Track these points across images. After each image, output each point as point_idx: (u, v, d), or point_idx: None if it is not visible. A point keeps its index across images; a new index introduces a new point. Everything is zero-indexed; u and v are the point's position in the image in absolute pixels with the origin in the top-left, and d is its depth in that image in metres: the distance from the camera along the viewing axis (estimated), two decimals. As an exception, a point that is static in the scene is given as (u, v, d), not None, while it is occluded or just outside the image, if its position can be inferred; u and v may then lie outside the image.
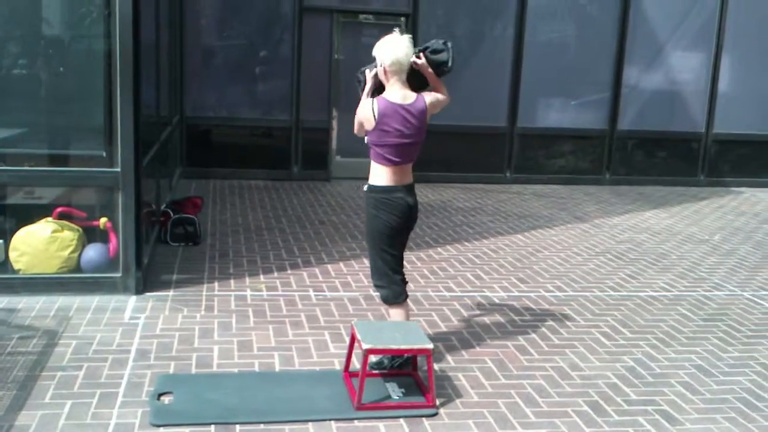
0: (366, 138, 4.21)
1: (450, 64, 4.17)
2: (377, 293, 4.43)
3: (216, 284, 5.71)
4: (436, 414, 3.85)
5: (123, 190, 5.24)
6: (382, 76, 4.14)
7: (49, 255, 5.26)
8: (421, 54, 4.16)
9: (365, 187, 4.18)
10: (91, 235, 5.50)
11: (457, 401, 4.01)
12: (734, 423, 3.96)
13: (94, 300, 5.20)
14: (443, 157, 10.53)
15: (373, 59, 4.14)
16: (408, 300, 4.32)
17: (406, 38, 4.09)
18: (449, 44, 4.18)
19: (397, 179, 4.15)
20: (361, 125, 4.21)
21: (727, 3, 11.03)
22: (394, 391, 4.06)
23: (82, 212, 5.53)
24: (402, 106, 4.07)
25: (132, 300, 5.26)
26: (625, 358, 4.73)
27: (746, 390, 4.36)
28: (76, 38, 5.61)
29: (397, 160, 4.12)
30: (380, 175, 4.17)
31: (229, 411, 3.76)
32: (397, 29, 4.23)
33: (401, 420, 3.78)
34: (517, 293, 5.90)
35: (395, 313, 4.26)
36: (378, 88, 4.21)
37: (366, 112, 4.12)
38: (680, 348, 4.96)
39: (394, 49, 4.04)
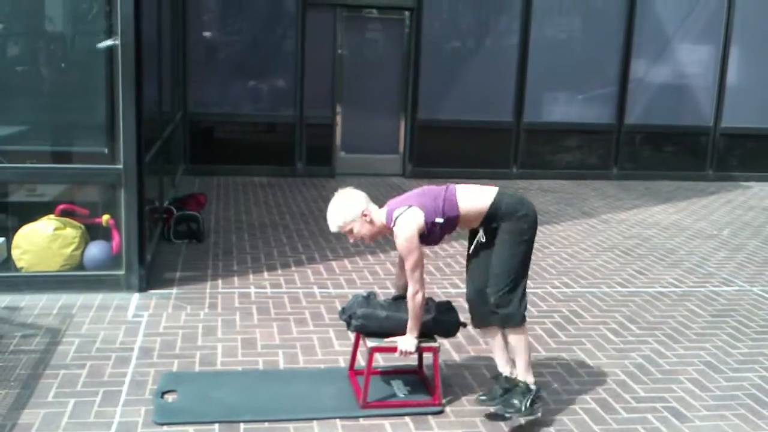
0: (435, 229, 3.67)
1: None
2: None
3: (220, 282, 5.67)
4: (442, 412, 3.81)
5: (125, 187, 5.21)
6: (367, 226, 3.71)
7: (52, 253, 5.24)
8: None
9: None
10: (93, 232, 5.48)
11: (464, 399, 3.97)
12: (744, 420, 3.91)
13: (97, 298, 5.17)
14: (448, 152, 10.49)
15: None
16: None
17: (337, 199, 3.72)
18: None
19: None
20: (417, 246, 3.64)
21: (734, -5, 10.96)
22: (400, 389, 4.02)
23: (85, 209, 5.51)
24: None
25: (135, 298, 5.23)
26: (634, 355, 4.68)
27: (756, 386, 4.31)
28: (77, 35, 5.58)
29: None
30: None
31: (233, 409, 3.73)
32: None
33: (407, 418, 3.75)
34: (523, 289, 5.84)
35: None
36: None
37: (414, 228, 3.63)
38: (689, 344, 4.90)
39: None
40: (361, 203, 3.68)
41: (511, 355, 3.78)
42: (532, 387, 3.69)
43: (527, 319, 3.73)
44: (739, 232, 8.21)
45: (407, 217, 3.60)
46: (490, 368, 4.36)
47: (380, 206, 3.80)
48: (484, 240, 3.70)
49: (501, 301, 3.62)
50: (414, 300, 3.62)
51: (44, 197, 5.55)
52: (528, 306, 3.75)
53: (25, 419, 3.57)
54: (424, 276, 3.68)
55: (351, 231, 3.69)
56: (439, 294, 5.58)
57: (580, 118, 10.96)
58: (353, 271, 6.10)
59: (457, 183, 3.78)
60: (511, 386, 3.74)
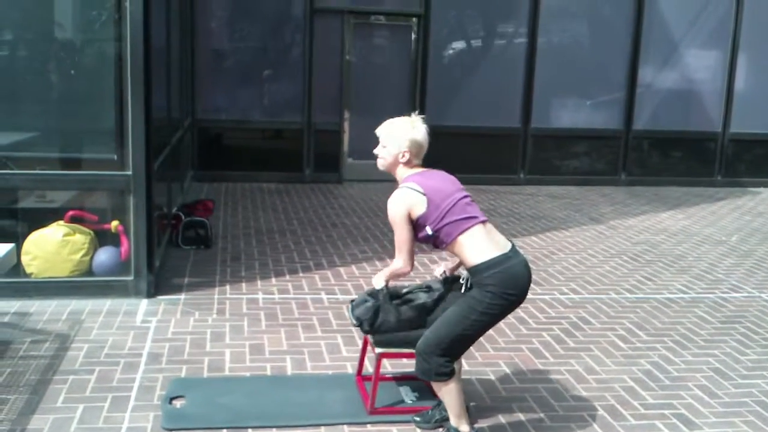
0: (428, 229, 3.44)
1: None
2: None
3: (228, 287, 5.69)
4: (448, 419, 3.80)
5: (134, 193, 5.23)
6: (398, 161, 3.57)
7: (61, 258, 5.26)
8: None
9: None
10: (102, 238, 5.49)
11: (471, 405, 3.96)
12: (753, 427, 3.89)
13: (106, 303, 5.19)
14: (456, 158, 10.43)
15: None
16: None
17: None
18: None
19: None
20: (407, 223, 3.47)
21: (743, 0, 10.92)
22: (408, 395, 4.02)
23: (94, 215, 5.53)
24: None
25: (144, 303, 5.24)
26: (642, 362, 4.66)
27: (765, 393, 4.29)
28: (87, 42, 5.61)
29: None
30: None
31: (241, 415, 3.73)
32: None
33: (414, 424, 3.74)
34: (531, 296, 5.79)
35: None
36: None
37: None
38: (697, 351, 4.88)
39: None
40: (407, 144, 3.49)
41: None
42: None
43: (452, 377, 3.45)
44: (748, 238, 8.18)
45: (405, 196, 3.43)
46: (497, 374, 4.36)
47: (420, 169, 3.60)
48: (464, 283, 3.57)
49: (422, 350, 3.43)
50: (394, 266, 3.49)
51: (54, 203, 5.57)
52: (452, 368, 3.44)
53: (34, 425, 3.58)
54: (413, 254, 3.46)
55: (383, 147, 3.56)
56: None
57: (588, 123, 10.94)
58: (361, 277, 6.10)
59: (489, 221, 3.52)
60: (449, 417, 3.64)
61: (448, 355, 3.42)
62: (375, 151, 3.62)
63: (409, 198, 3.42)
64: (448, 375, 3.42)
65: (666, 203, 9.93)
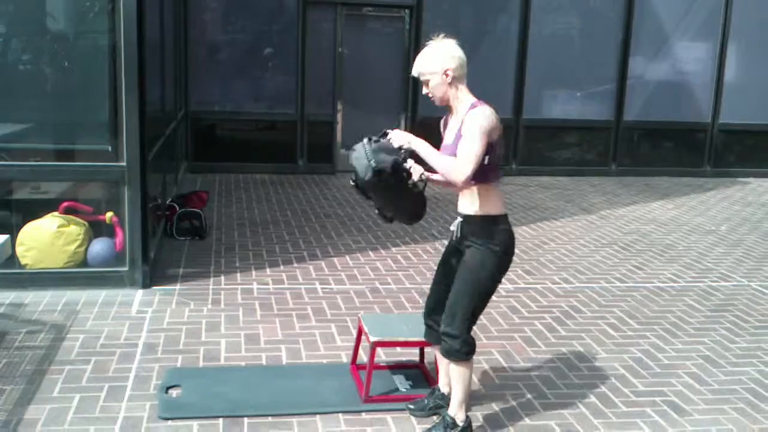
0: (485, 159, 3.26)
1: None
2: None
3: (222, 278, 5.71)
4: (442, 407, 3.84)
5: (129, 185, 5.24)
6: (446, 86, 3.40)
7: (56, 249, 5.27)
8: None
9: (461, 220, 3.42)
10: (97, 229, 5.51)
11: (465, 393, 4.00)
12: (743, 414, 3.95)
13: (101, 294, 5.21)
14: (448, 149, 10.51)
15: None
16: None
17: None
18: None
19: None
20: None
21: (732, -8, 10.99)
22: (402, 383, 4.06)
23: (88, 207, 5.54)
24: None
25: (139, 294, 5.27)
26: (633, 350, 4.72)
27: (754, 381, 4.35)
28: (80, 33, 5.60)
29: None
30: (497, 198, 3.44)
31: (237, 404, 3.77)
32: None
33: (409, 412, 3.78)
34: (523, 285, 5.89)
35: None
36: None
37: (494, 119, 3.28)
38: (687, 339, 4.94)
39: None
40: (447, 61, 3.32)
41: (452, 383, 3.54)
42: (459, 423, 3.48)
43: (475, 351, 3.46)
44: (737, 227, 8.25)
45: (494, 114, 3.28)
46: (489, 362, 4.41)
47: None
48: (458, 235, 3.43)
49: (450, 331, 3.38)
50: (454, 172, 3.19)
51: (48, 194, 5.58)
52: (475, 341, 3.47)
53: (30, 414, 3.60)
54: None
55: (427, 83, 3.36)
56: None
57: (579, 114, 10.99)
58: (354, 267, 6.13)
59: None
60: (444, 404, 3.66)
61: (469, 328, 3.41)
62: (426, 94, 3.45)
63: (495, 118, 3.28)
64: (474, 350, 3.43)
65: (656, 193, 10.00)
